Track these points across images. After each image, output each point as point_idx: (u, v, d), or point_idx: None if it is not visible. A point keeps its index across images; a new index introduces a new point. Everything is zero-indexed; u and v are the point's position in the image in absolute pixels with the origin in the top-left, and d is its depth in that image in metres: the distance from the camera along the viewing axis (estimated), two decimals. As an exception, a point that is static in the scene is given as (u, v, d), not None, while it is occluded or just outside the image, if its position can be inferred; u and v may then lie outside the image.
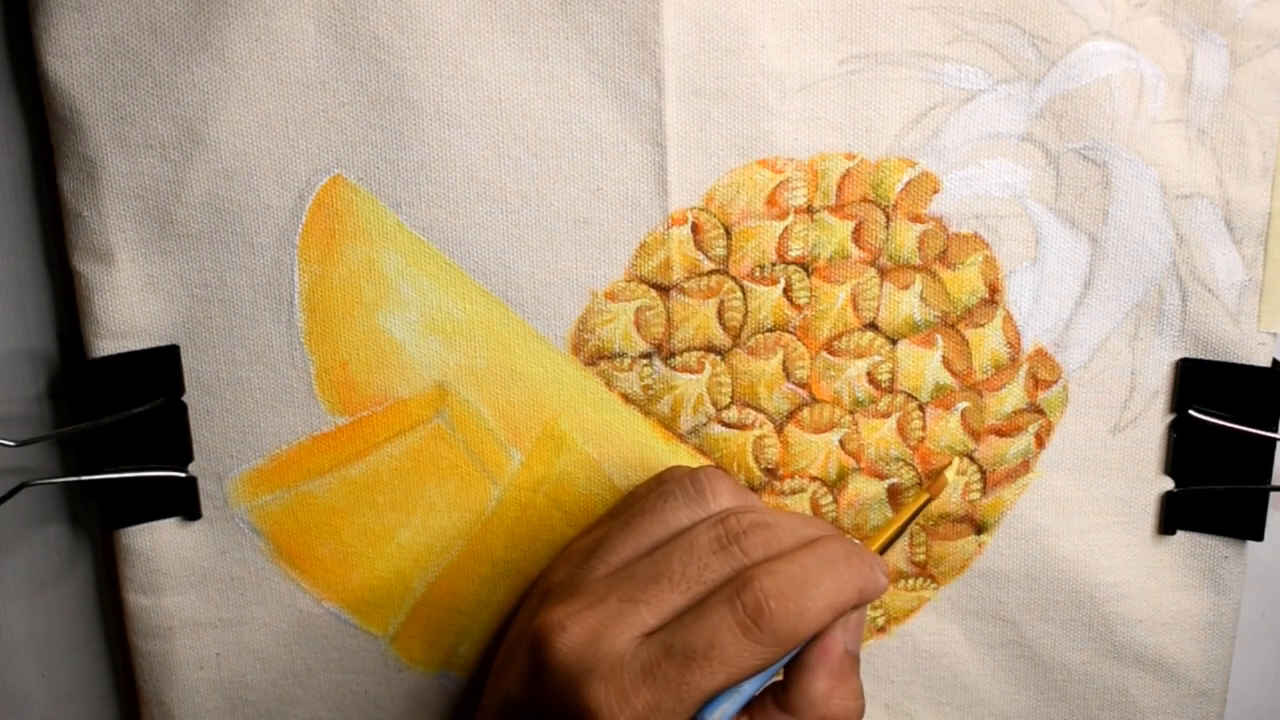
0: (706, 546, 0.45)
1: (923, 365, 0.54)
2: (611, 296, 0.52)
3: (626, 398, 0.53)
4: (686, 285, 0.52)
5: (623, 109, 0.50)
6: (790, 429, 0.54)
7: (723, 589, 0.44)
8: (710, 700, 0.43)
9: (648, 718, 0.42)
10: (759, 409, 0.54)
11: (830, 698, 0.45)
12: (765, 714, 0.45)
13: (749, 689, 0.44)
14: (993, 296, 0.53)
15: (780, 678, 0.46)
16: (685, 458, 0.54)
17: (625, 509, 0.50)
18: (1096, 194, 0.52)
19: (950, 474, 0.54)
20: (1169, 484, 0.55)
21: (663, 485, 0.49)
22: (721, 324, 0.53)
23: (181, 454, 0.53)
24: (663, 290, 0.52)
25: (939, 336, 0.53)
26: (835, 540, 0.46)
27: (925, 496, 0.53)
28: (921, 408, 0.54)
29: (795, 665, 0.45)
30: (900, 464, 0.55)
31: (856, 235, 0.52)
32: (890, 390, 0.54)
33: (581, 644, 0.43)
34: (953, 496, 0.55)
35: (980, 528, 0.55)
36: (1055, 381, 0.54)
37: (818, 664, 0.45)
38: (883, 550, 0.51)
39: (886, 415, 0.54)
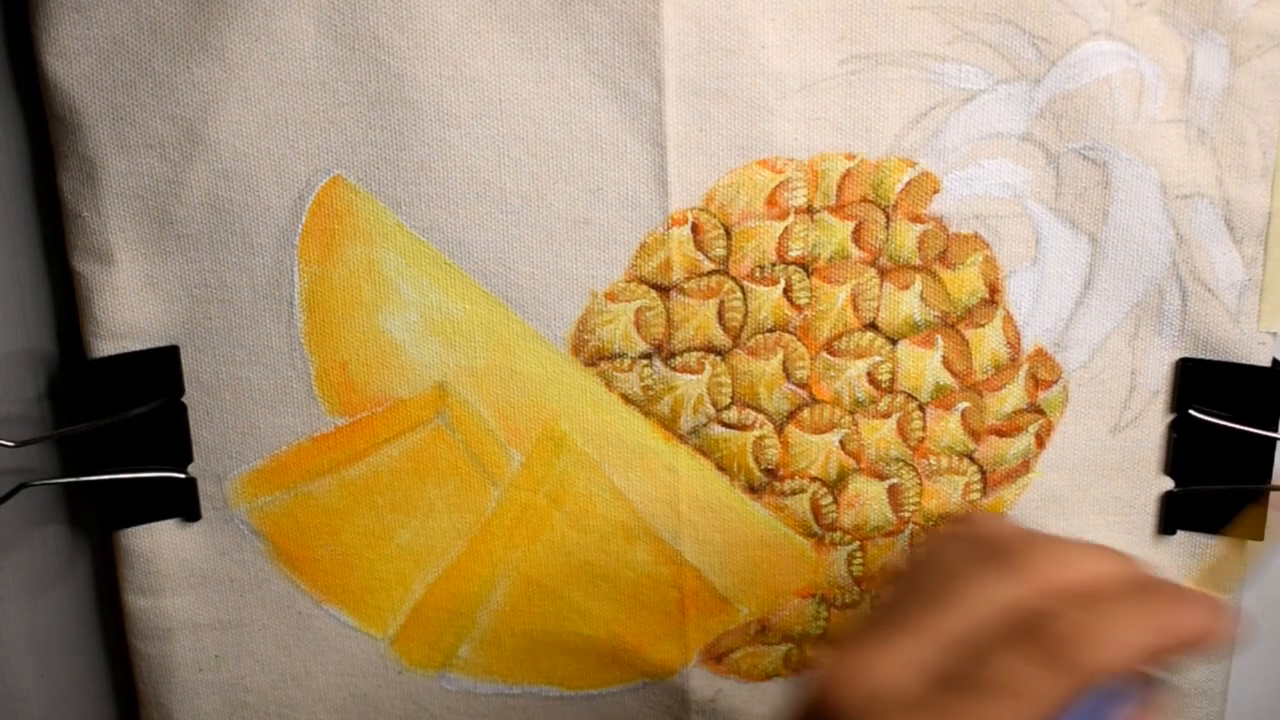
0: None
1: (923, 365, 0.54)
2: (611, 297, 0.52)
3: (626, 398, 0.53)
4: (686, 285, 0.52)
5: (623, 109, 0.50)
6: (790, 429, 0.54)
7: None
8: None
9: None
10: (759, 409, 0.54)
11: None
12: None
13: None
14: (993, 296, 0.53)
15: None
16: (685, 458, 0.54)
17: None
18: (1096, 194, 0.52)
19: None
20: (1169, 484, 0.55)
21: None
22: (721, 324, 0.53)
23: (181, 455, 0.52)
24: (663, 291, 0.52)
25: (939, 336, 0.53)
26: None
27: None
28: (921, 408, 0.54)
29: None
30: (900, 464, 0.55)
31: (856, 235, 0.52)
32: (890, 390, 0.54)
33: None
34: (953, 497, 0.55)
35: (980, 528, 0.55)
36: (1055, 381, 0.54)
37: None
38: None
39: (886, 415, 0.54)
